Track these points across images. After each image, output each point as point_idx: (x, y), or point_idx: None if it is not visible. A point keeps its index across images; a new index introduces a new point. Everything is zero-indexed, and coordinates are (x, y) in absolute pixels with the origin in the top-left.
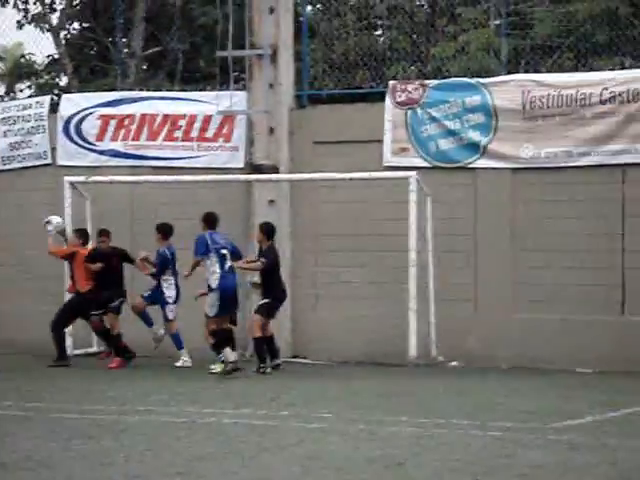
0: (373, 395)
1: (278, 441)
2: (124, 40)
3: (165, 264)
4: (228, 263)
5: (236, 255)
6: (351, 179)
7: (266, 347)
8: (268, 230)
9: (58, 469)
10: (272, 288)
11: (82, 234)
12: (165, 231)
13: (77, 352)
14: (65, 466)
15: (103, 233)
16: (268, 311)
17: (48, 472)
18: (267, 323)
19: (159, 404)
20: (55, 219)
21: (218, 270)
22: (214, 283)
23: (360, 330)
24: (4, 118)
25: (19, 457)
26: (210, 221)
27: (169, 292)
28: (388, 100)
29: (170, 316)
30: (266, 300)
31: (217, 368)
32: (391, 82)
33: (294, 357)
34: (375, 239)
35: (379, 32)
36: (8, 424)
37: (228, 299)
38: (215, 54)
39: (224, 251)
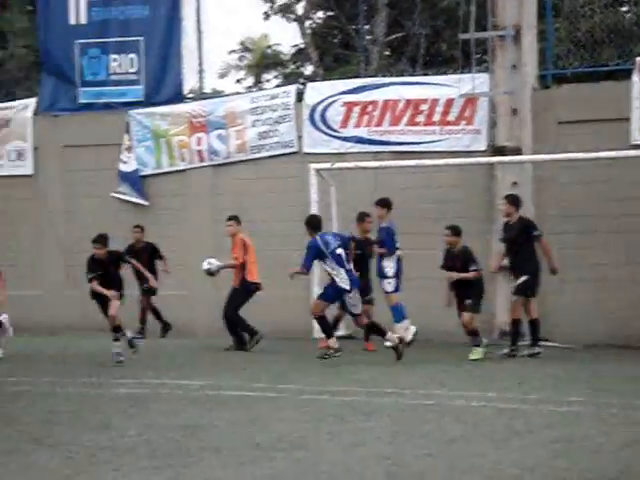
0: (623, 379)
1: (527, 424)
2: (367, 27)
3: (392, 238)
4: (347, 261)
5: (346, 247)
6: (597, 159)
7: (519, 329)
8: (515, 201)
9: (311, 450)
10: (526, 264)
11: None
12: (389, 206)
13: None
14: (317, 447)
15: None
16: (527, 290)
17: (301, 452)
18: (528, 303)
19: (408, 386)
20: (213, 261)
21: (342, 271)
22: (347, 284)
23: (607, 313)
24: (253, 108)
25: (272, 438)
26: (314, 224)
27: (388, 264)
28: (635, 77)
29: (388, 288)
30: (524, 278)
31: (475, 355)
32: (638, 59)
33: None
34: (622, 220)
35: (625, 8)
36: (261, 405)
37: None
38: (457, 37)
39: (339, 251)
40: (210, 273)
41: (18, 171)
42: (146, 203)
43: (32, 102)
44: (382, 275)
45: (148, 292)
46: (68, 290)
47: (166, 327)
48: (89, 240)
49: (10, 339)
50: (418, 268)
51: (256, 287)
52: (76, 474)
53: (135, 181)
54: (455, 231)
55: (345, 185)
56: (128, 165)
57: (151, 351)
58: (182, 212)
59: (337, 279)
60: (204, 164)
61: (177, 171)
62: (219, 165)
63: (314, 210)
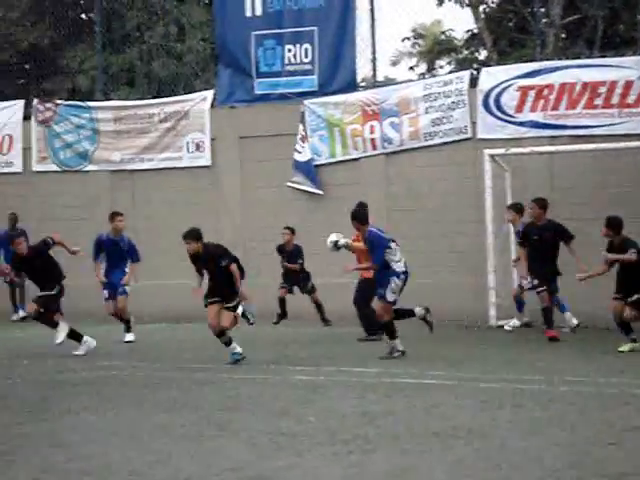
0: None
1: None
2: (542, 10)
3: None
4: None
5: None
6: None
7: None
8: None
9: (490, 438)
10: None
11: None
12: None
13: (500, 323)
14: (497, 435)
15: None
16: None
17: (480, 441)
18: None
19: (587, 374)
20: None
21: (398, 258)
22: (400, 268)
23: None
24: (426, 95)
25: (450, 426)
26: (362, 216)
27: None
28: None
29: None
30: None
31: (626, 347)
32: None
33: None
34: None
35: None
36: (438, 393)
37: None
38: (636, 18)
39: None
40: (337, 247)
41: (197, 162)
42: (320, 192)
43: (210, 94)
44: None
45: (312, 290)
46: (247, 279)
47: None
48: (266, 229)
49: (187, 327)
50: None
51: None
52: (259, 460)
53: (310, 170)
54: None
55: (520, 171)
56: (303, 155)
57: (328, 339)
58: (356, 201)
59: (395, 265)
60: (377, 152)
61: (350, 160)
62: (392, 153)
63: (488, 197)
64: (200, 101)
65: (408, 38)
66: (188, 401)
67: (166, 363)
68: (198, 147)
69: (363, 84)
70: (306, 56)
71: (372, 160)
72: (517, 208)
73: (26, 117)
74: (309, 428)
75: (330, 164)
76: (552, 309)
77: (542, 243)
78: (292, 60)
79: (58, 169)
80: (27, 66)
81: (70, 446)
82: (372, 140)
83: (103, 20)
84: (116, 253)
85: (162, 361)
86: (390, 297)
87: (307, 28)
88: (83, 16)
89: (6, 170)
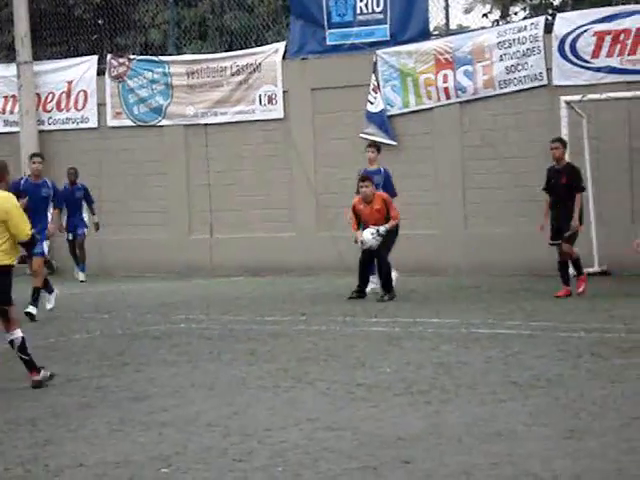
0: None
1: None
2: None
3: None
4: None
5: None
6: None
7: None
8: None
9: (569, 387)
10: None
11: None
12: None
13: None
14: (575, 384)
15: None
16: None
17: (559, 390)
18: None
19: None
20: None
21: None
22: None
23: None
24: (500, 42)
25: (528, 375)
26: None
27: None
28: None
29: None
30: None
31: None
32: None
33: None
34: None
35: None
36: (515, 343)
37: None
38: None
39: None
40: (380, 234)
41: (269, 115)
42: (394, 143)
43: (281, 46)
44: None
45: None
46: (320, 232)
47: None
48: (338, 182)
49: (263, 279)
50: None
51: None
52: (335, 410)
53: (383, 121)
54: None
55: (597, 117)
56: (375, 105)
57: (403, 290)
58: (430, 150)
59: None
60: (451, 101)
61: (424, 109)
62: (466, 102)
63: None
64: (272, 53)
65: None
66: (264, 353)
67: (243, 316)
68: (270, 100)
69: (436, 32)
70: (378, 5)
71: (445, 109)
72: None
73: (100, 72)
74: (385, 379)
75: (403, 114)
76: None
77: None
78: (364, 10)
79: (132, 124)
80: (100, 21)
81: (149, 398)
82: (445, 89)
83: None
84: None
85: (238, 314)
86: None
87: None
88: None
89: (82, 126)
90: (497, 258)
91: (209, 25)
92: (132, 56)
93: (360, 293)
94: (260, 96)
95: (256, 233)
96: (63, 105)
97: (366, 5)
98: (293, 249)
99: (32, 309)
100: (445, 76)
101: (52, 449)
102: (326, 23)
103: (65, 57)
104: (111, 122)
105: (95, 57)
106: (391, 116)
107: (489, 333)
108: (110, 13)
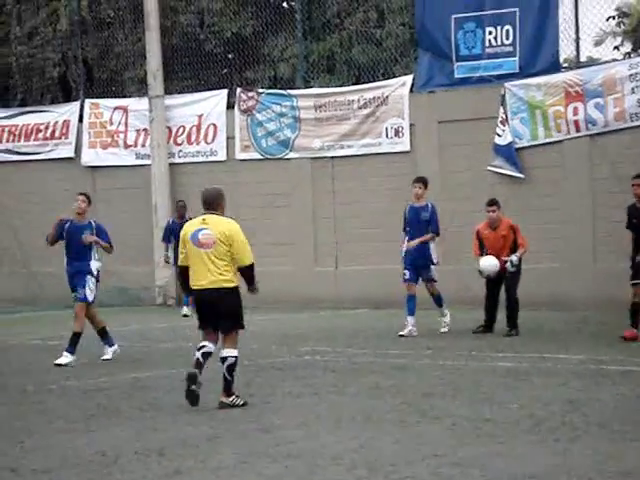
0: None
1: None
2: None
3: None
4: None
5: None
6: None
7: None
8: None
9: None
10: None
11: None
12: None
13: None
14: None
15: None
16: None
17: None
18: None
19: None
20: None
21: None
22: None
23: None
24: (632, 74)
25: None
26: None
27: None
28: None
29: None
30: None
31: None
32: None
33: None
34: None
35: None
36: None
37: None
38: None
39: None
40: (513, 265)
41: (396, 148)
42: (521, 176)
43: (409, 79)
44: None
45: None
46: (445, 265)
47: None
48: (466, 214)
49: (386, 312)
50: None
51: None
52: (460, 445)
53: (510, 154)
54: None
55: None
56: (503, 138)
57: (529, 324)
58: (559, 184)
59: None
60: (581, 134)
61: (553, 142)
62: (596, 134)
63: None
64: (399, 86)
65: (612, 17)
66: (389, 387)
67: (367, 349)
68: (397, 133)
69: (566, 65)
70: (507, 38)
71: (575, 142)
72: None
73: (229, 106)
74: (513, 415)
75: (531, 147)
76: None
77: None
78: (492, 42)
79: (260, 157)
80: (230, 55)
81: (275, 430)
82: (575, 122)
83: (304, 8)
84: None
85: (362, 347)
86: None
87: (508, 9)
88: (284, 4)
89: (211, 159)
90: (626, 293)
91: (337, 59)
92: (261, 90)
93: (487, 328)
94: (387, 129)
95: (380, 265)
96: (193, 138)
97: (495, 38)
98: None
99: (62, 359)
100: (575, 109)
101: (181, 479)
102: (454, 56)
103: (196, 91)
104: (239, 155)
105: (225, 91)
106: (519, 149)
107: (619, 370)
108: (240, 47)
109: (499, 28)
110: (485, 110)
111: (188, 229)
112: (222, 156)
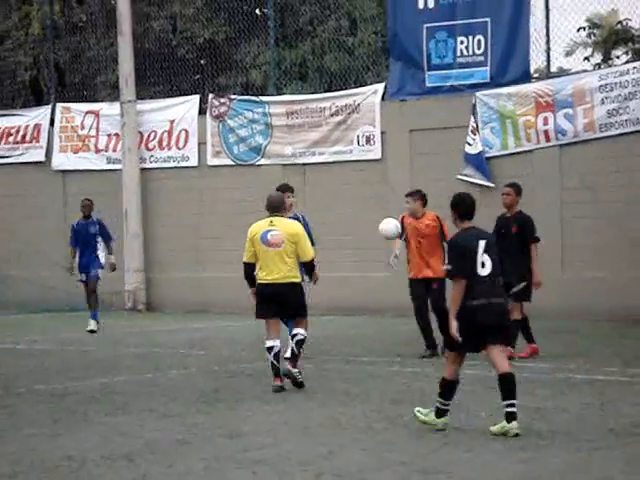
0: None
1: None
2: None
3: None
4: None
5: None
6: None
7: None
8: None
9: None
10: None
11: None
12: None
13: None
14: None
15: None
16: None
17: None
18: None
19: None
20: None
21: None
22: None
23: None
24: (601, 85)
25: (626, 423)
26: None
27: None
28: None
29: None
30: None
31: None
32: None
33: None
34: None
35: None
36: (613, 390)
37: None
38: None
39: None
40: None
41: (367, 155)
42: (492, 185)
43: (380, 87)
44: None
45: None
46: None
47: None
48: None
49: (358, 319)
50: None
51: None
52: (429, 453)
53: (481, 163)
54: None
55: None
56: (474, 147)
57: None
58: (528, 193)
59: None
60: (550, 144)
61: (523, 152)
62: (566, 145)
63: None
64: (371, 94)
65: (583, 28)
66: (359, 393)
67: (337, 356)
68: (368, 140)
69: (536, 75)
70: (478, 47)
71: (545, 152)
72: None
73: (201, 112)
74: (480, 423)
75: (502, 156)
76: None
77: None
78: (464, 52)
79: (232, 163)
80: (203, 61)
81: (243, 436)
82: (545, 132)
83: (276, 15)
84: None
85: (333, 354)
86: None
87: (480, 19)
88: (257, 11)
89: (182, 164)
90: (594, 303)
91: (309, 66)
92: (233, 96)
93: (433, 349)
94: (358, 137)
95: (351, 272)
96: (165, 144)
97: (466, 47)
98: (387, 289)
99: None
100: (545, 119)
101: None
102: (425, 65)
103: (168, 96)
104: (211, 161)
105: (197, 97)
106: (489, 158)
107: (586, 379)
108: (212, 54)
109: (470, 38)
110: (456, 119)
111: (257, 230)
112: (194, 162)
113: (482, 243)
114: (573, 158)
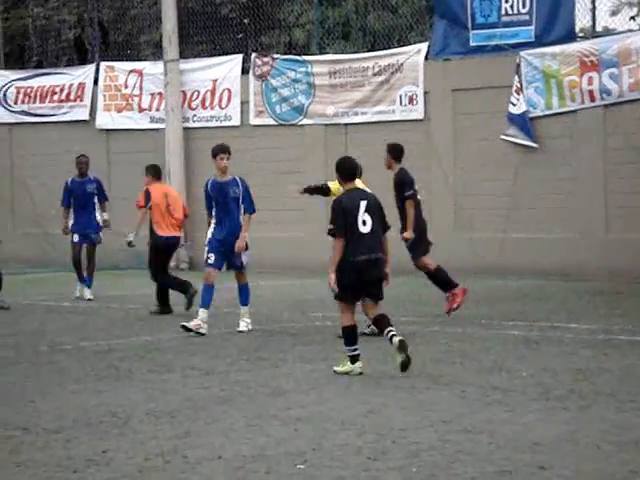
0: None
1: None
2: None
3: None
4: None
5: None
6: None
7: None
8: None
9: None
10: None
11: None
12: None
13: None
14: None
15: None
16: None
17: None
18: None
19: None
20: None
21: None
22: None
23: None
24: None
25: None
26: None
27: None
28: None
29: None
30: None
31: None
32: None
33: None
34: None
35: None
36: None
37: None
38: None
39: None
40: None
41: (410, 116)
42: (535, 145)
43: (424, 47)
44: None
45: None
46: (457, 233)
47: None
48: (477, 183)
49: (398, 281)
50: None
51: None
52: (470, 413)
53: (524, 123)
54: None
55: None
56: (517, 107)
57: (540, 294)
58: (572, 153)
59: None
60: (595, 104)
61: (567, 112)
62: (611, 105)
63: None
64: (414, 54)
65: None
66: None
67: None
68: (411, 100)
69: (581, 35)
70: (523, 6)
71: (589, 112)
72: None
73: (244, 71)
74: (522, 383)
75: (546, 116)
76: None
77: None
78: (509, 11)
79: (274, 123)
80: (245, 20)
81: (285, 394)
82: (590, 92)
83: None
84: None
85: None
86: None
87: None
88: None
89: (225, 124)
90: (638, 263)
91: (352, 25)
92: (276, 55)
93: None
94: (401, 96)
95: (394, 232)
96: (207, 103)
97: (511, 6)
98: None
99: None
100: (590, 79)
101: (191, 441)
102: (470, 24)
103: (211, 56)
104: (253, 120)
105: (240, 56)
106: (533, 118)
107: (629, 340)
108: (256, 13)
109: None
110: (500, 79)
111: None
112: (236, 121)
113: (363, 203)
114: (618, 118)
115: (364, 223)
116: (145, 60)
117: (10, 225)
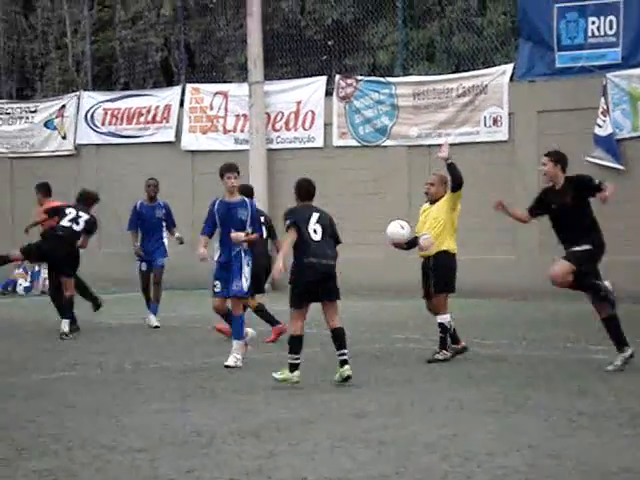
0: None
1: None
2: None
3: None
4: None
5: None
6: None
7: None
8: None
9: None
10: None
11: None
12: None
13: None
14: None
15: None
16: None
17: None
18: None
19: None
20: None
21: None
22: None
23: None
24: None
25: None
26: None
27: None
28: None
29: None
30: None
31: None
32: None
33: None
34: None
35: None
36: None
37: None
38: None
39: None
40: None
41: (494, 137)
42: (622, 167)
43: (509, 68)
44: None
45: None
46: (543, 254)
47: None
48: None
49: (481, 302)
50: None
51: None
52: (556, 438)
53: (611, 145)
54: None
55: None
56: (604, 129)
57: (632, 317)
58: None
59: None
60: None
61: None
62: None
63: None
64: (499, 75)
65: None
66: (483, 376)
67: (461, 337)
68: (495, 121)
69: None
70: (610, 28)
71: None
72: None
73: (327, 93)
74: (609, 408)
75: (632, 138)
76: None
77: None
78: (595, 32)
79: (357, 144)
80: (330, 42)
81: (369, 415)
82: None
83: None
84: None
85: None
86: None
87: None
88: None
89: (308, 145)
90: None
91: (437, 47)
92: (360, 77)
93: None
94: (485, 118)
95: (475, 255)
96: (291, 124)
97: (598, 28)
98: (513, 272)
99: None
100: None
101: (275, 462)
102: (556, 45)
103: (295, 77)
104: (337, 142)
105: (324, 78)
106: (619, 140)
107: None
108: (340, 35)
109: (602, 18)
110: (586, 100)
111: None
112: (319, 143)
113: (315, 215)
114: None
115: (315, 232)
116: (230, 82)
117: (96, 244)
